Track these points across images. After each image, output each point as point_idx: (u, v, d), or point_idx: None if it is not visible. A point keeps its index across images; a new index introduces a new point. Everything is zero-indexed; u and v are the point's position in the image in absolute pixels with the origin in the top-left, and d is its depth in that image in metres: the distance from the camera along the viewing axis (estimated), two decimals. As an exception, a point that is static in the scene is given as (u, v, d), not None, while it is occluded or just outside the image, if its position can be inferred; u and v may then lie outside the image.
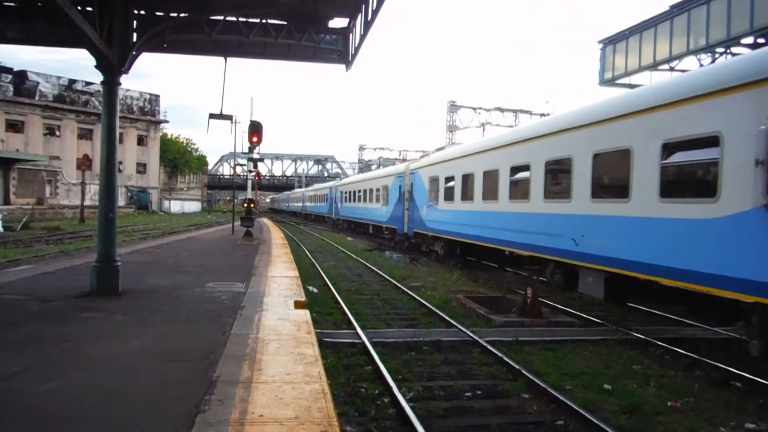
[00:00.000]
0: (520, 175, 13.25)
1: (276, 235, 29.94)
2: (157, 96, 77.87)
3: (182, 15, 10.48)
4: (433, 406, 6.45)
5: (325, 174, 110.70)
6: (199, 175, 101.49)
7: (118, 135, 10.14)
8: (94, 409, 4.46)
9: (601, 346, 9.07)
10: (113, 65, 9.64)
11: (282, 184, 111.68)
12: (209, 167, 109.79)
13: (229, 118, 20.08)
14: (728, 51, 23.80)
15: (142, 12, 10.40)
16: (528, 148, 12.97)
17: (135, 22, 10.28)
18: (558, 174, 11.77)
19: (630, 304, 11.70)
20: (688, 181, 8.44)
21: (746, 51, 20.92)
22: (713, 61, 24.45)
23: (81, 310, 8.23)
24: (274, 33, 11.41)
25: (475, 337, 9.07)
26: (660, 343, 9.22)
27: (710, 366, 8.08)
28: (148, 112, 76.10)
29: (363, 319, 10.56)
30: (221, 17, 11.03)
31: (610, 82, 30.49)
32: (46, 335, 6.80)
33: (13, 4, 10.68)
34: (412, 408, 6.01)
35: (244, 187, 47.94)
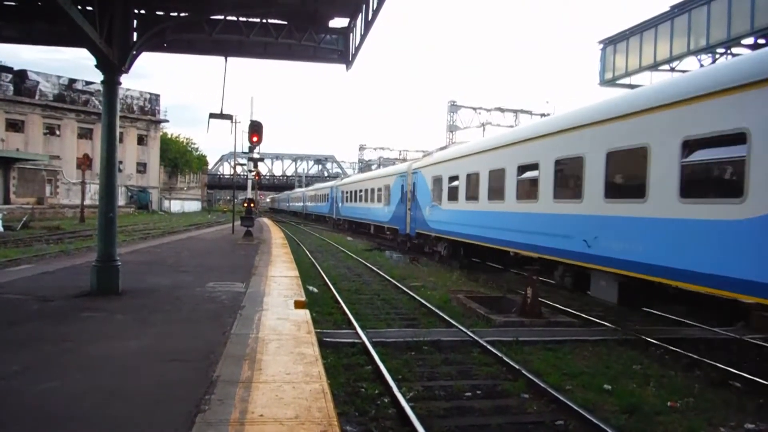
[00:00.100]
0: (528, 174, 12.88)
1: (276, 235, 29.94)
2: (158, 95, 77.96)
3: (182, 15, 10.48)
4: (433, 406, 6.45)
5: (325, 174, 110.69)
6: (199, 175, 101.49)
7: (118, 134, 10.14)
8: (94, 409, 4.46)
9: (600, 346, 9.07)
10: (113, 65, 9.64)
11: (282, 184, 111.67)
12: (209, 167, 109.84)
13: (229, 117, 20.08)
14: (729, 51, 23.80)
15: (143, 11, 10.40)
16: (536, 147, 12.56)
17: (135, 22, 10.28)
18: (568, 173, 11.41)
19: (644, 309, 11.38)
20: (711, 180, 8.04)
21: (747, 51, 20.92)
22: (714, 62, 24.44)
23: (81, 310, 8.23)
24: (275, 33, 11.41)
25: (475, 337, 9.07)
26: (660, 343, 9.22)
27: (710, 366, 8.08)
28: (148, 112, 76.13)
29: (363, 319, 10.56)
30: (221, 17, 11.03)
31: (611, 83, 30.50)
32: (46, 335, 6.81)
33: (13, 3, 10.68)
34: (412, 408, 6.01)
35: (244, 187, 47.98)
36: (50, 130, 63.63)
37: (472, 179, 16.22)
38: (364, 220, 34.48)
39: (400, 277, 16.41)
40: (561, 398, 6.44)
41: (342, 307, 11.60)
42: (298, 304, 9.12)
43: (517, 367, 7.58)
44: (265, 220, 54.66)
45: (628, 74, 29.27)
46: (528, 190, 12.90)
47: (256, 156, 27.16)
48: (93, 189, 49.53)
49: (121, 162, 58.00)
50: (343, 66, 12.34)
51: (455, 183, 17.69)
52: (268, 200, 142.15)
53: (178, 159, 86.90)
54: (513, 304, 11.58)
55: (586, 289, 11.11)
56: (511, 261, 16.10)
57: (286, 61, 12.90)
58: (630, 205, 9.29)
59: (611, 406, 6.51)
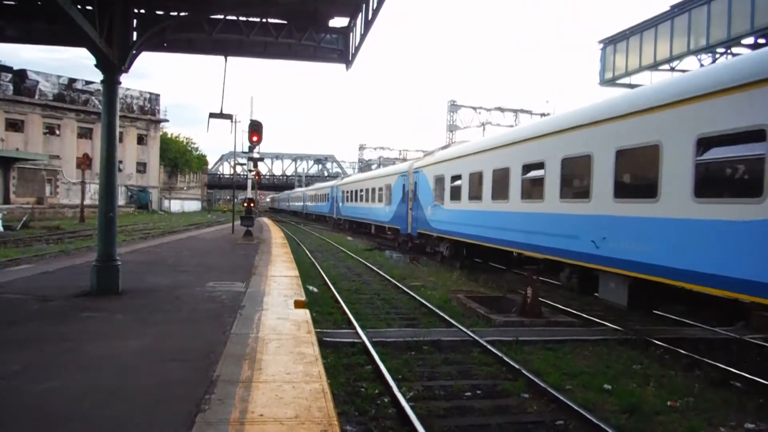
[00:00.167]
0: (534, 173, 12.59)
1: (276, 235, 29.94)
2: (157, 95, 77.97)
3: (182, 14, 10.48)
4: (433, 405, 6.45)
5: (325, 173, 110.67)
6: (199, 175, 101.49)
7: (118, 134, 10.13)
8: (94, 409, 4.46)
9: (601, 346, 9.07)
10: (113, 64, 9.64)
11: (282, 184, 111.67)
12: (209, 166, 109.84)
13: (229, 117, 20.07)
14: (729, 51, 23.81)
15: (142, 11, 10.40)
16: (542, 145, 12.26)
17: (135, 21, 10.29)
18: (575, 172, 11.15)
19: (656, 312, 11.06)
20: (727, 179, 7.75)
21: (747, 51, 20.93)
22: (714, 62, 24.44)
23: (81, 310, 8.23)
24: (275, 32, 11.41)
25: (475, 337, 9.07)
26: (660, 342, 9.22)
27: (710, 366, 8.08)
28: (148, 111, 76.13)
29: (363, 319, 10.56)
30: (221, 16, 11.03)
31: (611, 82, 30.49)
32: (46, 335, 6.81)
33: (13, 2, 10.68)
34: (412, 408, 6.01)
35: (244, 187, 47.98)
36: (50, 130, 63.63)
37: (476, 178, 15.95)
38: (365, 220, 34.27)
39: (400, 277, 16.41)
40: (561, 398, 6.44)
41: (342, 306, 11.59)
42: (298, 304, 9.12)
43: (517, 366, 7.58)
44: (265, 220, 54.66)
45: (628, 74, 29.26)
46: (533, 189, 12.65)
47: (256, 155, 27.16)
48: (93, 189, 49.54)
49: (120, 162, 57.99)
50: (343, 65, 12.35)
51: (458, 182, 17.43)
52: (268, 200, 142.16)
53: (178, 159, 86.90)
54: (513, 304, 11.57)
55: (593, 291, 10.87)
56: (514, 262, 15.86)
57: (286, 61, 12.93)
58: (641, 205, 9.03)
59: (611, 406, 6.51)
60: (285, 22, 11.50)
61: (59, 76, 66.33)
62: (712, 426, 6.07)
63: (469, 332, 9.40)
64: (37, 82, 63.18)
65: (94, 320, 7.65)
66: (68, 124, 64.82)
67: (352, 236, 36.69)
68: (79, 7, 8.26)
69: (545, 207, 12.00)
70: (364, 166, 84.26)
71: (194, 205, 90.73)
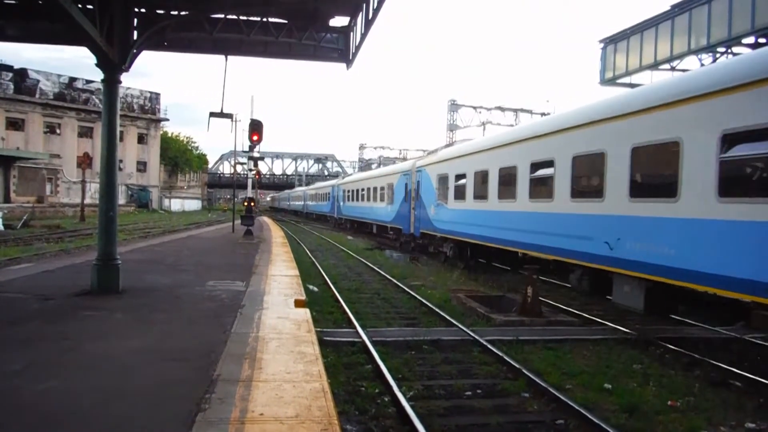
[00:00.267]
0: (542, 171, 12.22)
1: (276, 234, 29.95)
2: (158, 94, 78.02)
3: (183, 13, 10.48)
4: (434, 405, 6.45)
5: (326, 173, 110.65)
6: (199, 174, 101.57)
7: (118, 133, 10.14)
8: (94, 408, 4.46)
9: (601, 346, 9.07)
10: (114, 63, 9.64)
11: (282, 183, 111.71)
12: (209, 166, 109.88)
13: (229, 116, 20.08)
14: (729, 51, 23.80)
15: (143, 10, 10.40)
16: (551, 143, 11.85)
17: (135, 20, 10.28)
18: (588, 171, 10.78)
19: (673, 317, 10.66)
20: (756, 177, 7.28)
21: (747, 51, 20.91)
22: (714, 61, 24.43)
23: (81, 309, 8.23)
24: (275, 32, 11.41)
25: (476, 336, 9.07)
26: (660, 342, 9.22)
27: (710, 365, 8.08)
28: (148, 111, 76.16)
29: (363, 318, 10.56)
30: (222, 16, 11.04)
31: (611, 82, 30.49)
32: (47, 334, 6.81)
33: (13, 1, 10.69)
34: (412, 407, 6.01)
35: (244, 186, 47.96)
36: (50, 129, 63.68)
37: (481, 177, 15.57)
38: (367, 220, 33.99)
39: (400, 276, 16.41)
40: (561, 397, 6.43)
41: (342, 306, 11.60)
42: (299, 303, 9.12)
43: (517, 366, 7.58)
44: (266, 219, 54.67)
45: (628, 73, 29.26)
46: (542, 188, 12.30)
47: (256, 155, 27.16)
48: (93, 188, 49.49)
49: (121, 161, 58.08)
50: (344, 65, 12.35)
51: (462, 181, 17.09)
52: (268, 199, 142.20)
53: (179, 158, 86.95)
54: (513, 304, 11.57)
55: (606, 294, 10.61)
56: (520, 262, 15.44)
57: (286, 60, 12.93)
58: (659, 205, 8.62)
59: (611, 406, 6.51)
60: (285, 21, 11.50)
61: (60, 75, 66.45)
62: (712, 425, 6.07)
63: (469, 331, 9.40)
64: (38, 81, 63.24)
65: (94, 319, 7.65)
66: (69, 123, 64.87)
67: (352, 236, 36.69)
68: (79, 6, 8.27)
69: (555, 206, 11.64)
70: (365, 165, 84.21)
71: (194, 205, 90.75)
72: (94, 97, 66.42)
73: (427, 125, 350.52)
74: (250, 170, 29.90)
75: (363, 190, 34.44)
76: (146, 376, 5.30)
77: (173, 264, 14.42)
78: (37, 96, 62.47)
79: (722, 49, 24.01)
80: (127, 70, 10.01)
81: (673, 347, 8.95)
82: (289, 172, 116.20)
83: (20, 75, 61.75)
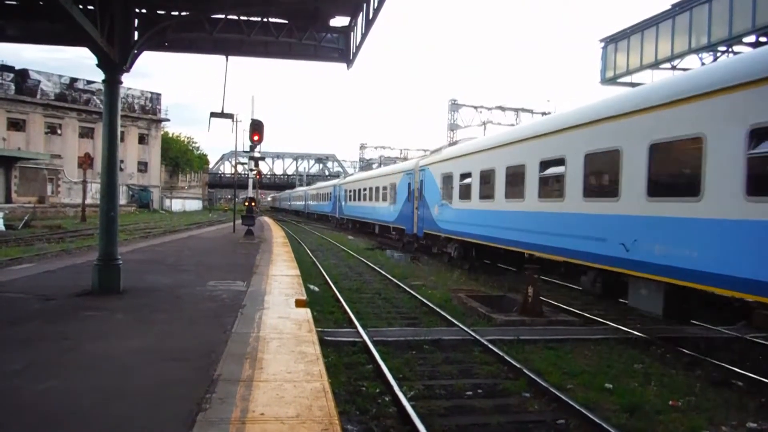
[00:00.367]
0: (553, 170, 11.82)
1: (277, 234, 29.95)
2: (159, 94, 78.09)
3: (183, 14, 10.48)
4: (434, 404, 6.44)
5: (326, 173, 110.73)
6: (200, 174, 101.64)
7: (119, 133, 10.14)
8: (94, 408, 4.46)
9: (602, 345, 9.06)
10: (115, 64, 9.65)
11: (283, 183, 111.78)
12: (210, 166, 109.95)
13: (230, 116, 20.06)
14: (730, 50, 23.78)
15: (143, 10, 10.40)
16: (562, 140, 11.44)
17: (136, 21, 10.29)
18: (601, 169, 10.38)
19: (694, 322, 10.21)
20: None
21: (748, 50, 20.89)
22: (715, 60, 24.42)
23: (82, 309, 8.24)
24: (275, 32, 11.42)
25: (476, 336, 9.06)
26: (661, 342, 9.21)
27: (711, 365, 8.08)
28: (149, 111, 76.21)
29: (364, 318, 10.56)
30: (222, 16, 11.04)
31: (612, 81, 30.47)
32: (47, 334, 6.81)
33: (14, 2, 10.69)
34: (413, 407, 6.01)
35: (245, 186, 48.05)
36: (52, 129, 63.74)
37: (487, 176, 15.18)
38: (369, 220, 33.70)
39: (401, 276, 16.40)
40: (562, 397, 6.43)
41: (343, 305, 11.60)
42: (299, 303, 9.12)
43: (518, 366, 7.57)
44: (267, 219, 54.68)
45: (629, 73, 29.24)
46: (552, 187, 11.92)
47: (257, 155, 27.19)
48: (94, 188, 49.52)
49: (122, 161, 58.08)
50: (344, 65, 12.35)
51: (467, 180, 16.69)
52: (269, 199, 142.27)
53: (179, 158, 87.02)
54: (514, 303, 11.57)
55: (620, 297, 10.39)
56: (527, 263, 14.97)
57: (287, 60, 12.93)
58: (680, 205, 8.18)
59: (612, 405, 6.50)
60: (286, 21, 11.51)
61: (61, 76, 66.50)
62: (713, 425, 6.06)
63: (470, 331, 9.39)
64: (39, 81, 63.32)
65: (95, 319, 7.65)
66: (70, 123, 64.94)
67: (353, 235, 36.69)
68: (80, 6, 8.27)
69: (566, 206, 11.23)
70: (365, 165, 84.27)
71: (195, 205, 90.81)
72: (95, 97, 66.50)
73: (427, 125, 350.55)
74: (251, 170, 29.91)
75: (365, 189, 34.14)
76: (147, 376, 5.30)
77: (174, 264, 14.42)
78: (38, 96, 62.54)
79: (723, 48, 24.00)
80: (128, 70, 10.02)
81: (674, 347, 8.94)
82: (289, 172, 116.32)
83: (21, 76, 61.82)
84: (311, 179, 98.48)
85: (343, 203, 42.97)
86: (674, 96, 8.44)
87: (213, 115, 18.80)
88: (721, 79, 7.67)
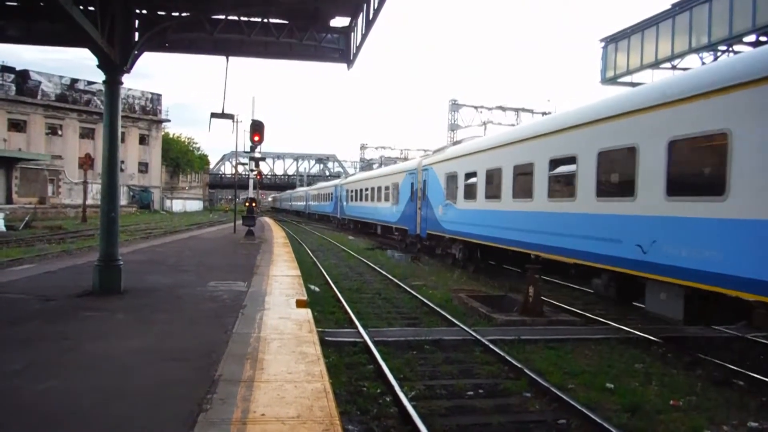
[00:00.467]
0: (563, 169, 11.46)
1: (278, 234, 29.96)
2: (159, 95, 78.10)
3: (183, 14, 10.48)
4: (435, 405, 6.44)
5: (327, 173, 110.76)
6: (200, 175, 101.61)
7: (120, 134, 10.15)
8: (94, 409, 4.47)
9: (602, 345, 9.05)
10: (115, 64, 9.65)
11: (284, 183, 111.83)
12: (211, 166, 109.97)
13: (230, 117, 20.05)
14: (730, 49, 23.78)
15: (144, 11, 10.41)
16: (574, 137, 11.05)
17: (137, 22, 10.30)
18: (616, 167, 9.94)
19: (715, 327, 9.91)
20: None
21: (749, 49, 20.89)
22: (715, 60, 24.41)
23: (82, 309, 8.24)
24: (276, 32, 11.41)
25: (477, 336, 9.06)
26: (662, 341, 9.20)
27: (712, 364, 8.07)
28: (149, 112, 76.22)
29: (365, 318, 10.56)
30: (222, 16, 11.04)
31: (612, 81, 30.48)
32: (48, 334, 6.81)
33: (15, 3, 10.70)
34: (414, 407, 6.01)
35: (245, 186, 48.09)
36: (52, 130, 63.73)
37: (493, 175, 14.79)
38: (371, 220, 33.41)
39: (401, 276, 16.40)
40: (563, 397, 6.43)
41: (344, 306, 11.60)
42: (300, 303, 9.12)
43: (519, 365, 7.57)
44: (267, 220, 54.69)
45: (629, 72, 29.25)
46: (563, 186, 11.55)
47: (257, 155, 27.18)
48: (95, 189, 49.59)
49: (123, 162, 58.18)
50: (345, 65, 12.34)
51: (473, 180, 16.29)
52: (269, 199, 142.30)
53: (180, 158, 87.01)
54: (515, 303, 11.57)
55: (634, 300, 10.18)
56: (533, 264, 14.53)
57: (287, 61, 12.92)
58: (703, 204, 7.77)
59: (613, 405, 6.49)
60: (286, 21, 11.50)
61: (61, 77, 66.50)
62: (714, 425, 6.06)
63: (470, 331, 9.39)
64: (40, 82, 63.32)
65: (95, 320, 7.66)
66: (70, 124, 64.94)
67: (353, 236, 36.70)
68: (81, 7, 8.27)
69: (577, 206, 10.84)
70: (366, 165, 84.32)
71: (196, 205, 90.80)
72: (95, 98, 66.49)
73: (427, 125, 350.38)
74: (252, 171, 29.92)
75: (367, 189, 33.85)
76: (147, 376, 5.30)
77: (175, 264, 14.43)
78: (39, 97, 62.53)
79: (723, 48, 24.00)
80: (128, 71, 10.03)
81: (675, 346, 8.94)
82: (290, 172, 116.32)
83: (22, 76, 61.83)
84: (312, 179, 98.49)
85: (344, 203, 42.81)
86: (697, 90, 8.01)
87: (213, 115, 18.81)
88: (748, 71, 7.24)
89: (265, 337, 6.84)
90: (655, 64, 27.25)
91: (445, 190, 18.86)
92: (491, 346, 8.55)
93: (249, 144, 23.73)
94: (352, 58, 12.09)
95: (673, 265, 8.22)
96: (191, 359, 5.84)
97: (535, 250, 12.60)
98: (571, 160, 11.10)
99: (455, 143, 21.67)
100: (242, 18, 11.21)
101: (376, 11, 9.87)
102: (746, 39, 22.63)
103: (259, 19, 11.30)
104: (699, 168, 8.25)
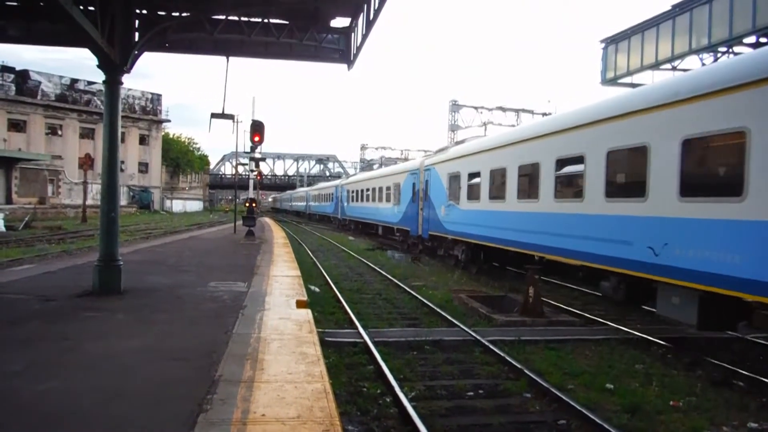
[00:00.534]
0: (570, 168, 11.25)
1: (278, 235, 29.95)
2: (159, 95, 78.07)
3: (184, 14, 10.48)
4: (435, 405, 6.44)
5: (327, 173, 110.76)
6: (201, 175, 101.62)
7: (120, 134, 10.15)
8: (94, 409, 4.46)
9: (603, 346, 9.06)
10: (115, 64, 9.65)
11: (284, 184, 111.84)
12: (211, 167, 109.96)
13: (230, 117, 20.05)
14: (731, 50, 23.79)
15: (144, 11, 10.41)
16: (581, 136, 10.84)
17: (137, 22, 10.29)
18: (625, 167, 9.72)
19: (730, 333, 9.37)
20: None
21: (748, 50, 20.91)
22: (715, 61, 24.42)
23: (82, 309, 8.24)
24: (276, 32, 11.41)
25: (477, 337, 9.06)
26: (662, 342, 9.20)
27: (712, 365, 8.08)
28: (150, 112, 76.22)
29: (365, 319, 10.56)
30: (223, 17, 11.04)
31: (613, 82, 30.49)
32: (47, 334, 6.81)
33: (15, 3, 10.70)
34: (414, 407, 6.01)
35: (246, 187, 48.06)
36: (52, 130, 63.73)
37: (497, 176, 14.63)
38: (372, 221, 33.21)
39: (401, 277, 16.40)
40: (563, 397, 6.43)
41: (344, 306, 11.60)
42: (300, 304, 9.12)
43: (519, 366, 7.57)
44: (267, 220, 54.68)
45: (629, 73, 29.27)
46: (570, 187, 11.40)
47: (257, 156, 27.18)
48: (95, 189, 49.56)
49: (123, 162, 58.22)
50: (345, 65, 12.34)
51: (476, 180, 16.06)
52: (270, 200, 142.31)
53: (180, 159, 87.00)
54: (515, 304, 11.56)
55: (644, 304, 10.03)
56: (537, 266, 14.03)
57: (287, 61, 12.92)
58: (719, 205, 7.53)
59: (613, 406, 6.50)
60: (286, 22, 11.51)
61: (61, 77, 66.49)
62: (714, 425, 6.06)
63: (470, 332, 9.39)
64: (40, 82, 63.31)
65: (95, 320, 7.65)
66: (70, 124, 64.93)
67: (353, 236, 36.70)
68: (81, 7, 8.27)
69: (585, 207, 10.61)
70: (366, 165, 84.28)
71: (196, 206, 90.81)
72: (95, 98, 66.48)
73: (428, 125, 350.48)
74: (252, 171, 29.91)
75: (368, 190, 33.65)
76: (147, 376, 5.30)
77: (175, 265, 14.43)
78: (39, 97, 62.53)
79: (723, 49, 24.01)
80: (128, 71, 10.02)
81: (674, 347, 8.94)
82: (290, 172, 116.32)
83: (22, 76, 61.82)
84: (312, 180, 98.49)
85: (345, 204, 42.73)
86: (711, 88, 7.77)
87: (214, 115, 18.81)
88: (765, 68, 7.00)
89: (265, 337, 6.83)
90: (656, 65, 27.27)
91: (448, 191, 18.67)
92: (491, 346, 8.55)
93: (249, 144, 23.72)
94: (352, 58, 12.09)
95: (686, 268, 7.97)
96: (191, 359, 5.83)
97: (540, 251, 12.41)
98: (579, 159, 10.88)
99: (458, 143, 21.44)
100: (242, 18, 11.21)
101: (377, 12, 9.88)
102: (746, 40, 22.64)
103: (260, 20, 11.30)
104: (715, 168, 8.03)
